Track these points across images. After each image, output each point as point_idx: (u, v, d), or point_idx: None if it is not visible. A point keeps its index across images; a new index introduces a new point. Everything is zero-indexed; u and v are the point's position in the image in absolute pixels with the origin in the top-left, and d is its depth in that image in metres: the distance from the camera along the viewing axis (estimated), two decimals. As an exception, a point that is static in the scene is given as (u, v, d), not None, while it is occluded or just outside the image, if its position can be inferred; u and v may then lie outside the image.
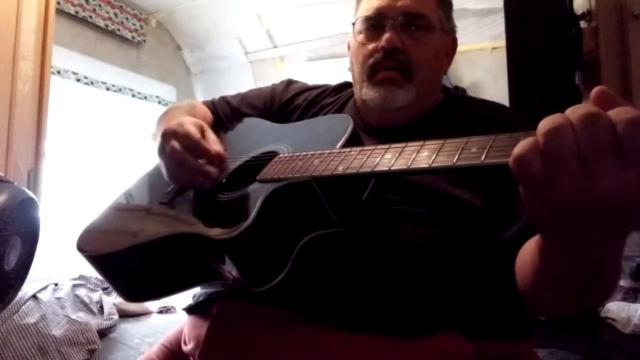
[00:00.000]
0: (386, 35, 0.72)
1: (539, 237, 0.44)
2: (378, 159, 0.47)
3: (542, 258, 0.46)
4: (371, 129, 0.78)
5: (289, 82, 0.94)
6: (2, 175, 1.17)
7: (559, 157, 0.32)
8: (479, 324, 0.61)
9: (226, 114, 0.90)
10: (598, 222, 0.35)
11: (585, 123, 0.32)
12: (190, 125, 0.67)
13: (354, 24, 0.78)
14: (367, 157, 0.49)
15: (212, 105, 0.92)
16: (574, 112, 0.33)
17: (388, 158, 0.46)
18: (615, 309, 1.58)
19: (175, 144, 0.65)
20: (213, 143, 0.67)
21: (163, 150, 0.67)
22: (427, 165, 0.42)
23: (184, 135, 0.65)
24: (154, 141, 0.74)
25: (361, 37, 0.77)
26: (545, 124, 0.33)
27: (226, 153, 0.68)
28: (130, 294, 0.69)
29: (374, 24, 0.75)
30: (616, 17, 1.65)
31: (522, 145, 0.34)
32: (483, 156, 0.38)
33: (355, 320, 0.58)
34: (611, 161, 0.31)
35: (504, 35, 1.72)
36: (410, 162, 0.44)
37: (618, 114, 0.31)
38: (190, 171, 0.65)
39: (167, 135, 0.66)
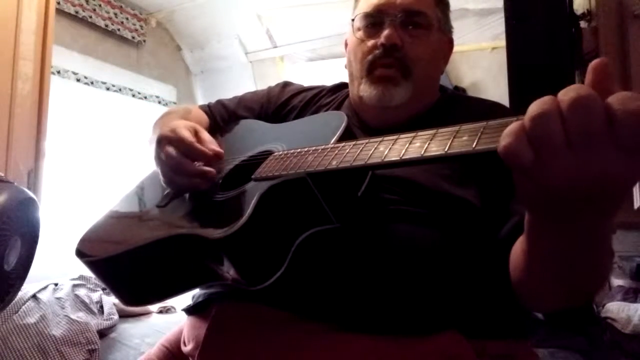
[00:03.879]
0: (385, 32, 0.72)
1: (527, 220, 0.44)
2: (371, 152, 0.47)
3: (531, 239, 0.46)
4: (367, 128, 0.78)
5: (285, 84, 0.95)
6: (2, 175, 1.17)
7: (545, 142, 0.32)
8: (478, 323, 0.61)
9: (222, 117, 0.91)
10: (586, 203, 0.35)
11: (574, 107, 0.31)
12: (183, 129, 0.67)
13: (353, 20, 0.79)
14: (361, 150, 0.49)
15: (208, 109, 0.93)
16: (564, 95, 0.33)
17: (381, 150, 0.46)
18: (615, 309, 1.58)
19: (170, 149, 0.66)
20: (208, 143, 0.68)
21: (158, 158, 0.68)
22: (420, 155, 0.42)
23: (178, 140, 0.66)
24: (151, 146, 0.74)
25: (360, 33, 0.77)
26: (533, 108, 0.33)
27: (222, 151, 0.68)
28: (130, 299, 0.69)
29: (373, 21, 0.75)
30: (616, 17, 1.65)
31: (508, 132, 0.34)
32: (474, 143, 0.38)
33: (354, 320, 0.58)
34: (601, 145, 0.31)
35: (504, 35, 1.72)
36: (403, 153, 0.44)
37: (621, 101, 0.31)
38: (188, 175, 0.65)
39: (162, 142, 0.67)
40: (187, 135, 0.67)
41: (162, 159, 0.67)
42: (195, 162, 0.65)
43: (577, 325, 1.53)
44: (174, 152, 0.65)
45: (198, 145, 0.66)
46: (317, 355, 0.56)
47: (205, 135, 0.70)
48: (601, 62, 0.34)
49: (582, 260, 0.44)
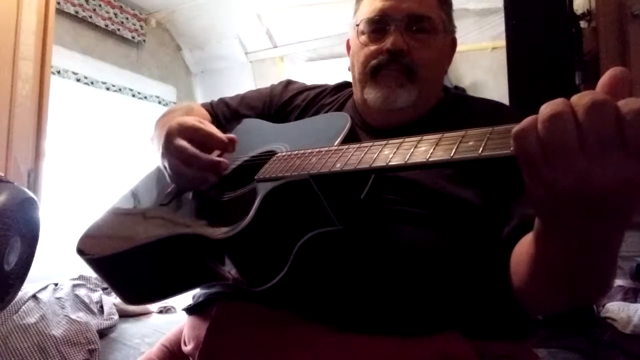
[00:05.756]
0: (391, 38, 0.71)
1: (535, 225, 0.44)
2: (376, 155, 0.47)
3: (537, 245, 0.46)
4: (371, 129, 0.78)
5: (288, 83, 0.94)
6: (2, 175, 1.17)
7: (557, 145, 0.32)
8: (479, 323, 0.61)
9: (225, 116, 0.90)
10: (596, 211, 0.35)
11: (590, 112, 0.31)
12: (192, 120, 0.66)
13: (358, 25, 0.78)
14: (365, 153, 0.48)
15: (210, 107, 0.92)
16: (579, 99, 0.32)
17: (385, 154, 0.46)
18: (615, 309, 1.58)
19: (181, 141, 0.63)
20: (219, 133, 0.66)
21: (167, 152, 0.65)
22: (425, 160, 0.42)
23: (191, 130, 0.64)
24: (153, 144, 0.73)
25: (364, 38, 0.76)
26: (545, 110, 0.33)
27: (235, 137, 0.67)
28: (131, 297, 0.69)
29: (378, 26, 0.74)
30: (616, 17, 1.65)
31: (522, 125, 0.34)
32: (480, 149, 0.38)
33: (355, 320, 0.58)
34: (615, 151, 0.31)
35: (504, 35, 1.72)
36: (408, 157, 0.44)
37: (627, 104, 0.31)
38: (200, 167, 0.63)
39: (171, 135, 0.65)
40: (200, 124, 0.65)
41: (172, 153, 0.64)
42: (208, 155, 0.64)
43: (577, 325, 1.53)
44: (185, 143, 0.63)
45: (216, 134, 0.65)
46: (318, 356, 0.56)
47: (213, 127, 0.68)
48: (622, 72, 0.33)
49: (588, 268, 0.44)
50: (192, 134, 0.64)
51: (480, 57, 2.59)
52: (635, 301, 1.62)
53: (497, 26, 2.32)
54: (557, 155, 0.32)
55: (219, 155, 0.66)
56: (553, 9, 1.62)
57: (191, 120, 0.66)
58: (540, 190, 0.36)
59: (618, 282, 1.73)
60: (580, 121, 0.32)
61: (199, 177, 0.64)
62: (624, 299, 1.64)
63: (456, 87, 2.55)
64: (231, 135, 0.66)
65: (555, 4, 1.63)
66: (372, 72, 0.74)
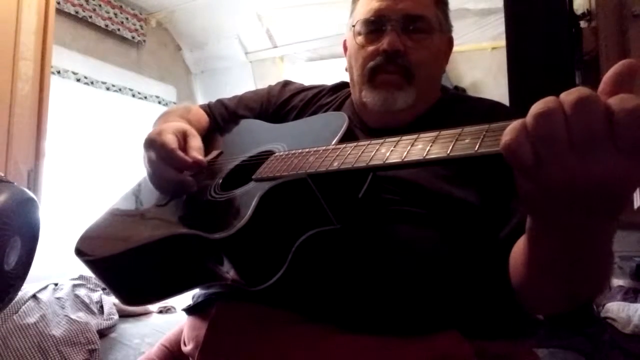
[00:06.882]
0: (388, 39, 0.72)
1: (527, 222, 0.44)
2: (373, 153, 0.47)
3: (530, 242, 0.46)
4: (369, 130, 0.78)
5: (285, 83, 0.94)
6: (2, 175, 1.16)
7: (547, 142, 0.32)
8: (478, 323, 0.61)
9: (222, 117, 0.90)
10: (586, 206, 0.35)
11: (577, 108, 0.31)
12: (168, 134, 0.67)
13: (354, 26, 0.78)
14: (362, 152, 0.49)
15: (208, 108, 0.93)
16: (567, 96, 0.33)
17: (383, 152, 0.46)
18: (615, 309, 1.58)
19: (152, 154, 0.67)
20: (192, 150, 0.67)
21: (144, 160, 0.70)
22: (422, 157, 0.42)
23: (159, 145, 0.66)
24: None
25: (360, 39, 0.76)
26: (535, 108, 0.33)
27: (204, 160, 0.68)
28: (130, 298, 0.69)
29: (374, 27, 0.74)
30: (616, 17, 1.65)
31: (510, 132, 0.34)
32: (477, 146, 0.38)
33: (354, 320, 0.58)
34: (603, 147, 0.31)
35: (504, 35, 1.72)
36: (404, 155, 0.44)
37: (619, 101, 0.31)
38: (167, 181, 0.66)
39: (146, 145, 0.68)
40: (170, 140, 0.66)
41: (146, 162, 0.69)
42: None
43: (577, 325, 1.53)
44: (154, 157, 0.66)
45: (177, 153, 0.65)
46: (317, 356, 0.56)
47: (194, 141, 0.69)
48: (623, 69, 0.33)
49: (582, 264, 0.44)
50: (159, 148, 0.66)
51: (480, 57, 2.58)
52: (635, 301, 1.62)
53: (497, 26, 2.31)
54: (547, 152, 0.32)
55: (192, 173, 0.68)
56: (553, 9, 1.62)
57: (167, 133, 0.67)
58: (530, 185, 0.36)
59: (618, 282, 1.73)
60: (568, 117, 0.32)
61: (171, 190, 0.68)
62: (624, 299, 1.64)
63: (456, 87, 2.55)
64: (199, 157, 0.66)
65: (555, 4, 1.63)
66: (370, 74, 0.74)
